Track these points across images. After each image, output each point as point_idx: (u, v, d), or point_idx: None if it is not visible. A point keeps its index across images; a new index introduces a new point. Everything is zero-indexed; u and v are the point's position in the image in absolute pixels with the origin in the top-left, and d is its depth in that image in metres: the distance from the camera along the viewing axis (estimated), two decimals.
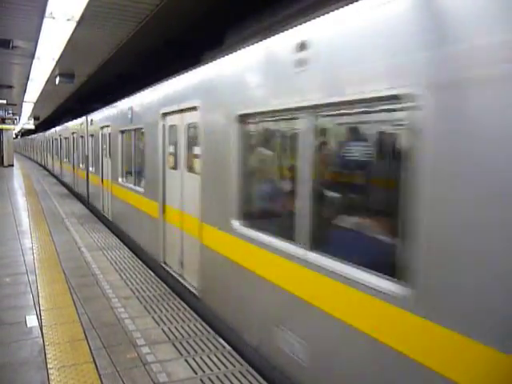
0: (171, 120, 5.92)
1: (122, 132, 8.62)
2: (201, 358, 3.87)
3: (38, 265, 6.53)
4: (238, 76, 4.17)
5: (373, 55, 2.58)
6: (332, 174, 3.39)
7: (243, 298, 4.09)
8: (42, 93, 16.74)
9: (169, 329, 4.45)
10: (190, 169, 5.34)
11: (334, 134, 3.39)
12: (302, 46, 3.13)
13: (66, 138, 17.86)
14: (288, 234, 3.37)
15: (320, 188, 3.15)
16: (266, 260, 3.63)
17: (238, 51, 4.10)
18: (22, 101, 20.23)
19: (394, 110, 2.63)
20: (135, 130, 7.80)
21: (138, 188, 7.63)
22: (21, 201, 13.56)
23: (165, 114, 6.06)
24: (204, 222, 4.78)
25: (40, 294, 5.30)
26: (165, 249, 6.23)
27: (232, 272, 4.23)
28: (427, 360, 2.22)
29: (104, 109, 10.34)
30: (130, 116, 7.92)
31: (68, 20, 7.21)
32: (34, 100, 19.66)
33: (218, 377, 3.58)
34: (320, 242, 3.12)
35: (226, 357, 3.91)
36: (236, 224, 4.09)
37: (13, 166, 29.39)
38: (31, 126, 38.35)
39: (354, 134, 3.22)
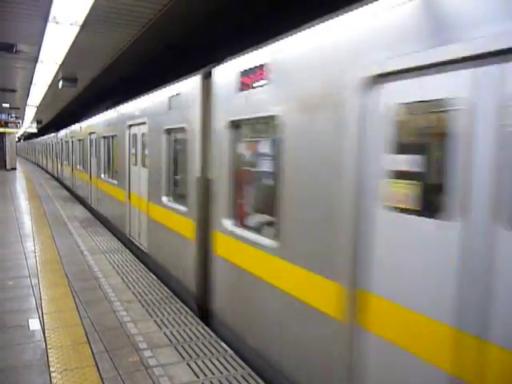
0: (133, 130, 8.07)
1: (104, 137, 10.80)
2: (203, 361, 3.88)
3: (40, 268, 6.55)
4: (162, 103, 6.31)
5: None
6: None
7: (160, 241, 6.58)
8: (44, 97, 16.81)
9: (171, 332, 4.46)
10: (143, 165, 7.38)
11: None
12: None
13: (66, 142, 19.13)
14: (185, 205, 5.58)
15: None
16: (175, 219, 5.85)
17: (163, 89, 6.36)
18: (25, 105, 20.31)
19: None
20: (112, 136, 9.96)
21: (112, 180, 9.89)
22: (23, 204, 13.60)
23: (130, 126, 8.19)
24: (149, 202, 6.94)
25: (42, 298, 5.32)
26: (130, 225, 8.31)
27: (161, 231, 6.42)
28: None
29: (93, 117, 12.58)
30: (107, 125, 10.35)
31: (71, 24, 7.25)
32: (37, 104, 19.74)
33: (219, 380, 3.58)
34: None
35: (227, 360, 3.91)
36: (164, 199, 6.29)
37: (15, 169, 29.49)
38: (34, 130, 38.51)
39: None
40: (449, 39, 2.12)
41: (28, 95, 16.76)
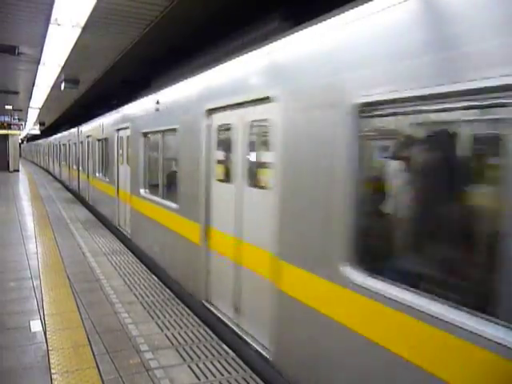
0: (120, 133, 9.35)
1: (98, 140, 11.84)
2: (204, 363, 3.87)
3: (42, 269, 6.56)
4: (142, 110, 7.70)
5: None
6: None
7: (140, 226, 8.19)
8: (47, 98, 16.85)
9: (172, 334, 4.45)
10: (128, 163, 8.82)
11: None
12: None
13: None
14: None
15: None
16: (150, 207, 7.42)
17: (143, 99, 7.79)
18: (28, 106, 20.37)
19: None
20: (104, 139, 11.05)
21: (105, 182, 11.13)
22: (26, 205, 13.63)
23: (117, 130, 9.51)
24: (132, 195, 8.38)
25: (44, 299, 5.32)
26: (119, 217, 9.65)
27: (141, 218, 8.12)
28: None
29: (88, 122, 13.54)
30: (101, 129, 11.34)
31: (73, 26, 7.27)
32: (40, 106, 19.79)
33: (220, 383, 3.57)
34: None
35: (229, 363, 3.90)
36: (142, 191, 7.93)
37: (18, 171, 29.58)
38: (37, 132, 38.63)
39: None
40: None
41: (30, 97, 16.80)
